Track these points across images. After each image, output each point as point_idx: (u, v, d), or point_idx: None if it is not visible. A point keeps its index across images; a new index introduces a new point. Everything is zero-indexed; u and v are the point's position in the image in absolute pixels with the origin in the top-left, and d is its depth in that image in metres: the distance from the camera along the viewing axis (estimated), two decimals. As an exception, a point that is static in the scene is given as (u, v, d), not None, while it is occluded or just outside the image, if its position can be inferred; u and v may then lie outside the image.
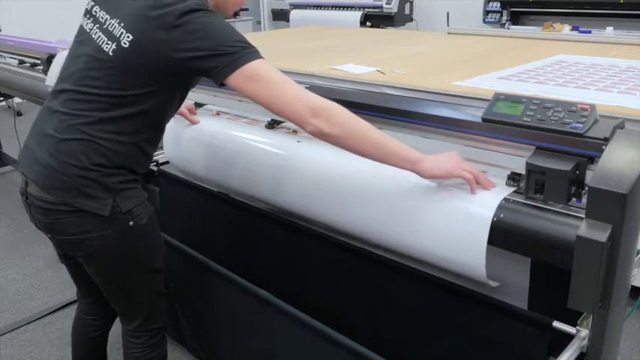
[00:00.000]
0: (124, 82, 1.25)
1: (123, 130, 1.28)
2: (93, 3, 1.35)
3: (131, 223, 1.33)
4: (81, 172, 1.26)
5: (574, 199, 1.10)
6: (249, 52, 1.20)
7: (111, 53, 1.25)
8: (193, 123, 1.83)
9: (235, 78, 1.19)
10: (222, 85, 1.22)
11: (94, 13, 1.33)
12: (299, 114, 1.18)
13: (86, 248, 1.35)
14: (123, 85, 1.25)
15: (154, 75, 1.25)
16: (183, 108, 1.75)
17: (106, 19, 1.28)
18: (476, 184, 1.17)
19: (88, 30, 1.32)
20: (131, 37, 1.23)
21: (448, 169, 1.17)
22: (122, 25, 1.24)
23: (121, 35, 1.24)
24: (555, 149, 1.10)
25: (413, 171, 1.18)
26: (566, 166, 1.07)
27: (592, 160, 1.07)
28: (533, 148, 1.14)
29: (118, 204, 1.30)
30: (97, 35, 1.28)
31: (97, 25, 1.30)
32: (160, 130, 1.41)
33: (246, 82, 1.20)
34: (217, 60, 1.19)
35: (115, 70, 1.25)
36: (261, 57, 1.22)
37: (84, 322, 1.69)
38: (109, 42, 1.26)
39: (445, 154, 1.20)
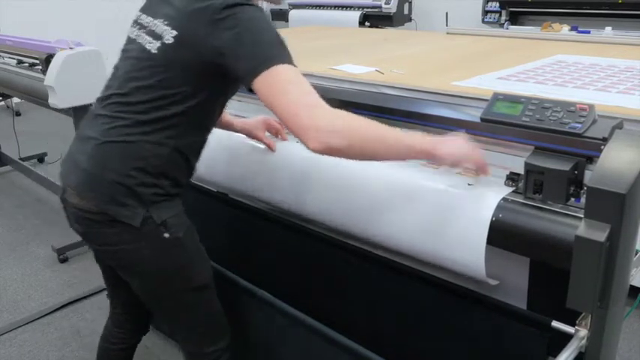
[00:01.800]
0: (166, 80, 1.21)
1: (165, 132, 1.24)
2: (140, 13, 1.35)
3: (166, 235, 1.27)
4: (118, 177, 1.22)
5: (573, 199, 1.10)
6: (276, 56, 1.13)
7: (154, 51, 1.22)
8: (271, 149, 1.55)
9: (257, 84, 1.13)
10: (251, 91, 1.16)
11: (139, 21, 1.33)
12: (302, 131, 1.08)
13: (121, 260, 1.31)
14: (165, 83, 1.21)
15: (196, 73, 1.21)
16: (260, 130, 1.57)
17: (149, 21, 1.27)
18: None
19: (134, 37, 1.31)
20: (175, 32, 1.20)
21: (466, 152, 1.12)
22: (166, 22, 1.22)
23: (164, 32, 1.22)
24: (554, 149, 1.10)
25: (431, 159, 1.14)
26: (564, 166, 1.07)
27: (591, 160, 1.07)
28: (532, 148, 1.14)
29: (150, 214, 1.24)
30: (142, 38, 1.27)
31: (142, 30, 1.29)
32: (202, 137, 1.34)
33: (264, 88, 1.12)
34: (247, 63, 1.14)
35: (157, 68, 1.22)
36: (288, 62, 1.14)
37: (112, 334, 1.63)
38: (152, 41, 1.24)
39: (454, 137, 1.15)
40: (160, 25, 1.23)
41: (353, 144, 1.07)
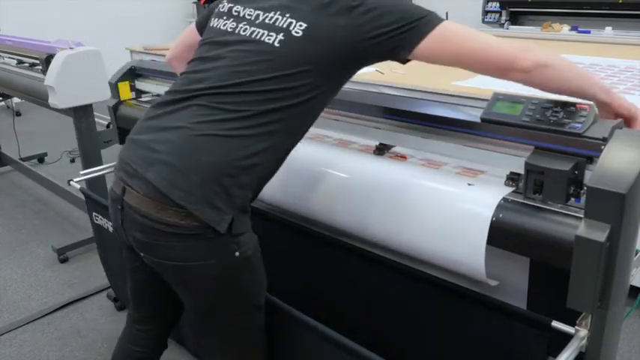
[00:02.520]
0: (286, 74, 1.13)
1: (269, 127, 1.14)
2: (231, 4, 1.26)
3: (237, 254, 1.16)
4: (216, 175, 1.10)
5: (573, 199, 1.10)
6: (431, 18, 1.12)
7: (277, 44, 1.14)
8: None
9: (424, 47, 1.10)
10: (407, 61, 1.14)
11: (234, 13, 1.24)
12: (509, 54, 1.08)
13: (184, 276, 1.19)
14: (284, 77, 1.13)
15: (325, 65, 1.14)
16: None
17: (258, 14, 1.20)
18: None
19: (230, 30, 1.21)
20: (304, 24, 1.13)
21: (637, 108, 1.10)
22: (288, 15, 1.15)
23: (290, 25, 1.14)
24: (554, 149, 1.10)
25: (607, 102, 1.10)
26: (565, 166, 1.07)
27: (591, 160, 1.07)
28: (532, 148, 1.14)
29: (233, 223, 1.12)
30: (250, 31, 1.18)
31: (245, 23, 1.20)
32: (302, 135, 1.25)
33: (438, 45, 1.11)
34: (402, 35, 1.10)
35: (279, 60, 1.13)
36: (443, 19, 1.13)
37: (129, 352, 1.49)
38: (271, 34, 1.15)
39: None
40: (279, 19, 1.16)
41: (557, 65, 1.09)
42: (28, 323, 2.40)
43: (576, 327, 1.08)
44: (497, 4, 4.32)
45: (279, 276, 1.73)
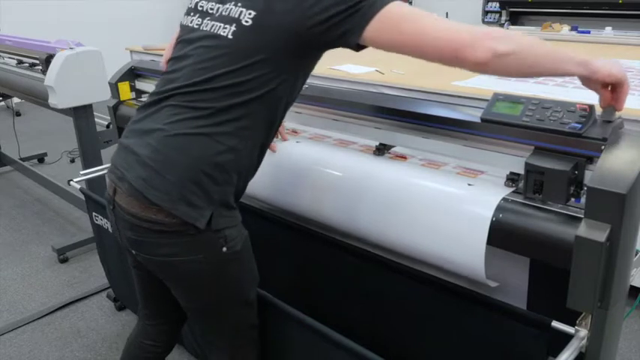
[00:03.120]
0: (245, 64, 1.11)
1: (240, 122, 1.14)
2: (197, 0, 1.25)
3: (224, 249, 1.17)
4: (190, 173, 1.12)
5: (573, 199, 1.10)
6: None
7: (230, 36, 1.13)
8: (272, 150, 1.54)
9: (371, 31, 1.04)
10: (360, 47, 1.09)
11: (199, 9, 1.23)
12: (460, 42, 0.99)
13: (173, 272, 1.21)
14: (243, 69, 1.12)
15: (279, 53, 1.12)
16: None
17: (218, 7, 1.18)
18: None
19: (195, 26, 1.21)
20: (253, 13, 1.11)
21: (621, 71, 1.03)
22: (240, 4, 1.13)
23: (240, 14, 1.12)
24: (554, 149, 1.10)
25: (586, 75, 1.04)
26: (565, 166, 1.07)
27: (591, 160, 1.07)
28: (532, 148, 1.14)
29: (211, 220, 1.14)
30: (210, 25, 1.17)
31: (208, 18, 1.19)
32: (275, 127, 1.24)
33: (385, 28, 1.04)
34: (348, 19, 1.05)
35: (235, 53, 1.12)
36: (392, 0, 1.05)
37: (142, 347, 1.51)
38: (226, 26, 1.14)
39: (607, 60, 1.07)
40: (232, 9, 1.14)
41: (520, 50, 1.01)
42: (28, 323, 2.40)
43: (576, 327, 1.08)
44: (497, 4, 4.32)
45: (282, 277, 1.74)
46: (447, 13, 4.25)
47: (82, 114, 2.71)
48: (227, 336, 1.36)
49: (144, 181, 1.13)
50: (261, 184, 1.59)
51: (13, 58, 3.17)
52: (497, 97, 1.20)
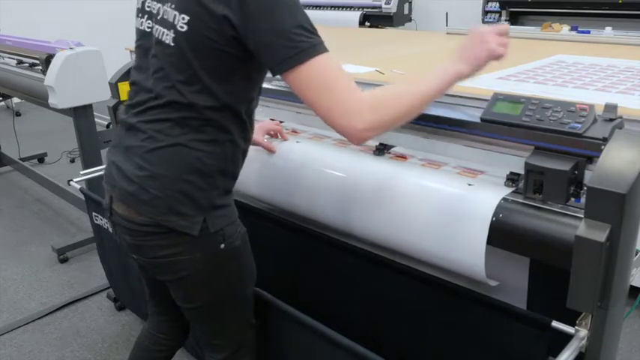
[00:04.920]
0: (192, 71, 1.08)
1: (213, 126, 1.13)
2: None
3: (222, 245, 1.18)
4: (173, 184, 1.12)
5: (572, 199, 1.10)
6: (312, 45, 1.03)
7: (172, 43, 1.09)
8: (272, 151, 1.56)
9: (293, 76, 1.03)
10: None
11: (147, 9, 1.17)
12: (349, 130, 1.05)
13: (174, 272, 1.21)
14: (193, 75, 1.09)
15: (219, 57, 1.08)
16: (259, 135, 1.53)
17: (159, 7, 1.13)
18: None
19: (147, 30, 1.17)
20: (187, 17, 1.06)
21: (481, 58, 1.13)
22: (174, 6, 1.08)
23: (175, 19, 1.08)
24: (554, 149, 1.10)
25: (466, 72, 1.13)
26: (565, 166, 1.07)
27: (591, 160, 1.07)
28: (532, 148, 1.14)
29: (207, 223, 1.15)
30: (156, 30, 1.13)
31: (153, 20, 1.15)
32: (249, 121, 1.22)
33: (303, 82, 1.04)
34: (275, 49, 1.02)
35: (179, 63, 1.09)
36: (325, 50, 1.05)
37: (155, 339, 1.55)
38: (167, 32, 1.10)
39: (468, 40, 1.15)
40: (169, 12, 1.09)
41: (390, 125, 1.09)
42: (28, 323, 2.40)
43: (576, 327, 1.08)
44: (497, 4, 4.31)
45: (282, 277, 1.74)
46: (446, 14, 4.24)
47: (82, 114, 2.71)
48: (225, 335, 1.36)
49: (131, 196, 1.15)
50: (262, 185, 1.59)
51: (13, 58, 3.17)
52: (498, 97, 1.20)
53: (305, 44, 1.02)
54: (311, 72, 1.03)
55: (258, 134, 1.53)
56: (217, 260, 1.20)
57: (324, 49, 1.05)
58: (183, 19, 1.07)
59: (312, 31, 1.05)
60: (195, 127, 1.12)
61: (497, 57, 1.14)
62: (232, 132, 1.17)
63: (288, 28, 1.02)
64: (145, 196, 1.14)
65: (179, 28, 1.07)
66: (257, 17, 1.02)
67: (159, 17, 1.13)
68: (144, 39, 1.19)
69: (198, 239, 1.16)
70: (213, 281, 1.23)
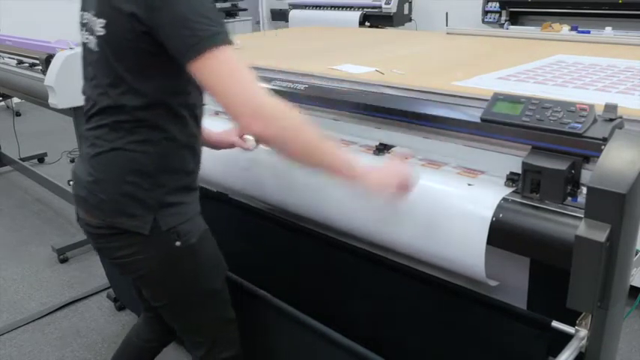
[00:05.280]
0: (116, 73, 1.12)
1: (147, 127, 1.16)
2: (80, 11, 1.24)
3: (177, 243, 1.21)
4: (115, 187, 1.17)
5: (569, 199, 1.10)
6: (213, 34, 1.03)
7: (96, 48, 1.15)
8: (248, 149, 1.51)
9: (197, 65, 1.03)
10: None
11: (83, 21, 1.22)
12: (242, 117, 1.05)
13: (134, 272, 1.27)
14: (117, 77, 1.12)
15: (137, 56, 1.10)
16: (234, 136, 1.50)
17: (87, 17, 1.19)
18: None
19: (85, 41, 1.22)
20: (103, 21, 1.11)
21: (378, 185, 1.12)
22: (94, 12, 1.13)
23: (94, 24, 1.13)
24: (550, 148, 1.10)
25: (352, 181, 1.12)
26: (562, 165, 1.07)
27: (587, 159, 1.07)
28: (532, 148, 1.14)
29: (158, 222, 1.18)
30: (86, 39, 1.20)
31: (87, 30, 1.20)
32: (190, 115, 1.22)
33: (206, 71, 1.04)
34: (178, 40, 1.03)
35: (105, 64, 1.13)
36: (229, 42, 1.05)
37: (143, 332, 1.62)
38: (92, 38, 1.16)
39: (386, 166, 1.17)
40: (91, 18, 1.14)
41: (278, 138, 1.07)
42: (28, 323, 2.40)
43: (576, 327, 1.08)
44: (497, 4, 4.31)
45: (283, 277, 1.74)
46: (446, 13, 4.24)
47: (82, 114, 2.69)
48: (199, 332, 1.39)
49: (85, 201, 1.23)
50: (262, 185, 1.59)
51: (13, 58, 3.17)
52: (498, 97, 1.20)
53: (205, 32, 1.02)
54: (214, 61, 1.03)
55: (233, 135, 1.49)
56: (173, 258, 1.23)
57: (228, 41, 1.05)
58: (100, 23, 1.11)
59: (215, 20, 1.04)
60: (128, 129, 1.16)
61: (394, 193, 1.14)
62: (168, 129, 1.18)
63: (188, 17, 1.02)
64: (93, 200, 1.20)
65: (98, 33, 1.12)
66: (160, 9, 1.03)
67: (88, 26, 1.19)
68: (85, 50, 1.24)
69: (151, 238, 1.19)
70: (172, 279, 1.27)
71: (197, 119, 1.26)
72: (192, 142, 1.25)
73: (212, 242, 1.32)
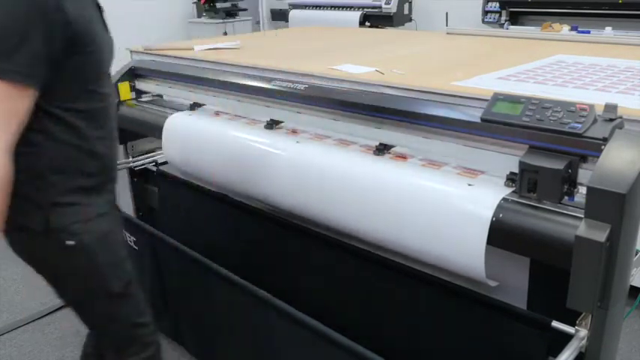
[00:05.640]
0: None
1: (26, 129, 1.16)
2: None
3: (70, 242, 1.24)
4: (14, 186, 1.18)
5: (566, 198, 1.10)
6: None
7: None
8: None
9: None
10: None
11: None
12: None
13: (39, 269, 1.32)
14: None
15: None
16: None
17: None
18: None
19: None
20: None
21: None
22: None
23: None
24: (548, 148, 1.10)
25: None
26: (558, 164, 1.07)
27: (584, 158, 1.07)
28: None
29: (48, 220, 1.22)
30: None
31: None
32: (79, 116, 1.23)
33: None
34: None
35: None
36: (10, 77, 1.08)
37: (88, 340, 1.63)
38: None
39: None
40: None
41: None
42: (28, 323, 2.40)
43: (576, 327, 1.08)
44: (497, 4, 4.31)
45: (283, 277, 1.74)
46: (446, 13, 4.24)
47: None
48: (105, 334, 1.42)
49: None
50: (262, 185, 1.59)
51: None
52: (498, 97, 1.20)
53: None
54: None
55: None
56: (65, 256, 1.26)
57: (7, 77, 1.08)
58: None
59: (6, 51, 1.07)
60: (13, 133, 1.17)
61: None
62: (51, 132, 1.20)
63: None
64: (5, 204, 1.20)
65: None
66: None
67: None
68: None
69: (42, 236, 1.22)
70: (67, 277, 1.30)
71: (96, 123, 1.26)
72: (88, 145, 1.25)
73: (115, 246, 1.33)
